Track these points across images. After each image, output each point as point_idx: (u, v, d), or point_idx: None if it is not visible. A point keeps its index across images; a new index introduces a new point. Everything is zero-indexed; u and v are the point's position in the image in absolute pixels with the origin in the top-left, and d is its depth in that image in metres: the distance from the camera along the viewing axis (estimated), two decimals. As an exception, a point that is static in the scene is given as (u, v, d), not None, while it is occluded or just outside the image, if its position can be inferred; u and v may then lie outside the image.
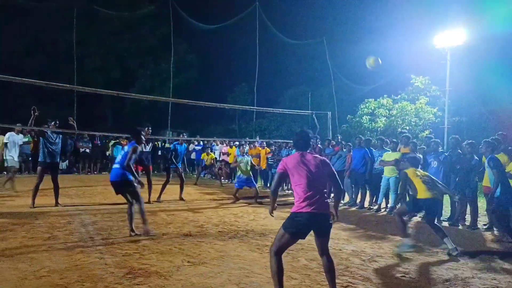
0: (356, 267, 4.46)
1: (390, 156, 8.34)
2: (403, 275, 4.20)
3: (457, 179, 7.29)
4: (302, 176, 3.34)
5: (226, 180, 15.07)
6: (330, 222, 3.36)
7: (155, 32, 27.38)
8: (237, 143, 15.48)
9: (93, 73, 25.58)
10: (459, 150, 7.45)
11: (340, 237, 5.97)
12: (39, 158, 7.68)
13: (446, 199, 7.79)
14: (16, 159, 10.00)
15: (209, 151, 14.58)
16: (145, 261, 4.33)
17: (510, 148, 6.80)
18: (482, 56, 18.06)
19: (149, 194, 8.62)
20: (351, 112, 19.50)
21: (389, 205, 8.59)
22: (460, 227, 7.10)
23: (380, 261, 4.71)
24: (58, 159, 7.97)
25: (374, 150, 9.20)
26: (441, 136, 14.45)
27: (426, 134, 14.07)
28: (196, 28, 20.34)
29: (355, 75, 22.30)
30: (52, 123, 7.74)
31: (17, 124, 9.72)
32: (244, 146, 10.51)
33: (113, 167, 5.74)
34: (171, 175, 9.56)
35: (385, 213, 8.47)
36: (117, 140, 16.58)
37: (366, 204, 9.13)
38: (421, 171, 5.72)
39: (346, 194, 10.06)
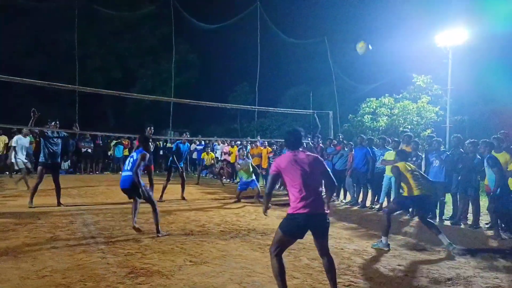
0: (358, 266, 4.45)
1: (391, 155, 8.31)
2: (405, 274, 4.20)
3: (459, 178, 7.27)
4: (297, 176, 3.28)
5: (228, 180, 15.07)
6: (328, 221, 3.31)
7: (155, 32, 27.38)
8: (238, 142, 15.47)
9: (94, 73, 25.59)
10: (461, 149, 7.44)
11: (342, 236, 5.97)
12: (40, 159, 7.70)
13: (448, 198, 7.77)
14: (24, 160, 10.12)
15: (209, 150, 14.58)
16: (147, 261, 4.33)
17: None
18: (484, 55, 18.02)
19: None
20: (352, 111, 19.47)
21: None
22: (462, 226, 7.08)
23: (382, 260, 4.71)
24: (59, 160, 7.97)
25: (376, 149, 9.19)
26: (443, 135, 14.41)
27: (428, 133, 14.04)
28: (197, 27, 20.30)
29: (357, 74, 22.28)
30: (53, 123, 7.75)
31: (24, 130, 9.79)
32: (244, 149, 10.49)
33: (123, 174, 5.78)
34: (172, 174, 9.57)
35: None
36: (119, 140, 16.62)
37: (368, 203, 9.12)
38: (411, 164, 5.71)
39: (348, 193, 10.06)
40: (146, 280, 3.72)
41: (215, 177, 15.26)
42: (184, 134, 10.32)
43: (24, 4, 19.49)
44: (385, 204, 8.77)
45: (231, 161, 14.92)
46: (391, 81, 20.31)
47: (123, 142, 16.61)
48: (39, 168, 7.71)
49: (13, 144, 9.87)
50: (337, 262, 4.53)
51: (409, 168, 5.45)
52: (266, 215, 3.69)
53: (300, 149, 3.48)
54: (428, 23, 18.53)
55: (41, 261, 4.20)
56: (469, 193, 7.03)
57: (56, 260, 4.25)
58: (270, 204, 3.72)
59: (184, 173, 9.60)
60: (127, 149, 16.31)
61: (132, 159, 5.70)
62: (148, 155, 5.81)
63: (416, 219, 7.75)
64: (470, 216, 7.26)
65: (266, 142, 13.77)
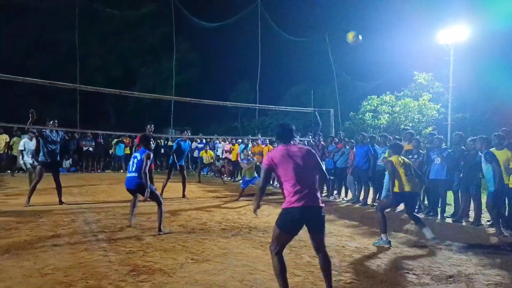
0: (360, 264, 4.45)
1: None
2: (407, 271, 4.20)
3: (461, 175, 7.26)
4: (290, 170, 3.22)
5: (229, 178, 15.08)
6: (323, 214, 3.26)
7: (156, 31, 27.37)
8: (240, 140, 15.48)
9: (95, 72, 25.62)
10: (462, 147, 7.43)
11: (343, 234, 5.97)
12: (39, 158, 7.71)
13: (450, 195, 7.77)
14: (30, 161, 10.22)
15: (208, 148, 14.60)
16: (149, 259, 4.34)
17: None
18: (486, 52, 17.97)
19: None
20: (353, 109, 19.46)
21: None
22: (464, 223, 7.07)
23: (383, 258, 4.71)
24: (58, 158, 7.97)
25: (377, 147, 9.17)
26: (444, 133, 14.39)
27: (429, 130, 14.02)
28: (197, 26, 20.30)
29: (358, 72, 22.26)
30: (51, 122, 7.75)
31: (30, 133, 9.86)
32: (248, 150, 10.52)
33: (128, 175, 5.83)
34: (172, 173, 9.57)
35: (388, 210, 8.43)
36: (120, 139, 16.64)
37: (369, 201, 9.11)
38: (404, 158, 5.69)
39: (349, 191, 10.06)
40: (148, 278, 3.73)
41: (216, 175, 15.28)
42: (185, 132, 10.32)
43: (25, 4, 19.51)
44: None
45: (232, 159, 14.95)
46: (393, 79, 20.30)
47: (124, 140, 16.65)
48: (38, 167, 7.71)
49: (20, 148, 10.02)
50: (338, 260, 4.55)
51: (402, 162, 5.44)
52: (256, 214, 3.53)
53: (292, 142, 3.43)
54: (429, 20, 18.52)
55: (43, 259, 4.21)
56: (470, 191, 7.02)
57: (58, 258, 4.26)
58: (261, 203, 3.55)
59: (185, 172, 9.60)
60: (128, 148, 16.35)
61: (136, 159, 5.73)
62: (152, 154, 5.87)
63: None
64: (471, 214, 7.25)
65: (267, 140, 13.77)
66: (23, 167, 10.33)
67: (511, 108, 15.61)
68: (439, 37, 16.31)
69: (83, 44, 21.09)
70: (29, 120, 7.38)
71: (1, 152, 14.16)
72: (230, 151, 15.20)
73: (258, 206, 3.48)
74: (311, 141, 11.37)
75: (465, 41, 15.98)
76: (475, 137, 7.21)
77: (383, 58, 22.16)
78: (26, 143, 9.86)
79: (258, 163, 9.88)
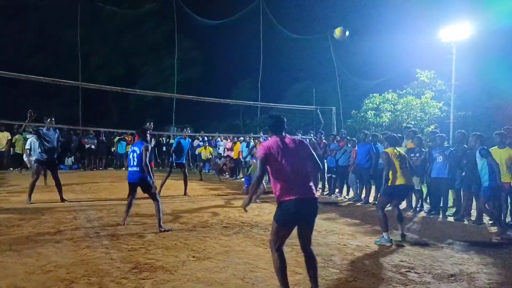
0: (361, 262, 4.45)
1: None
2: (408, 270, 4.19)
3: (463, 173, 7.25)
4: (284, 162, 3.17)
5: (227, 175, 15.13)
6: (317, 206, 3.23)
7: (158, 29, 27.34)
8: (241, 138, 15.50)
9: (97, 70, 25.63)
10: (465, 145, 7.40)
11: (345, 232, 5.97)
12: (36, 155, 7.72)
13: (452, 194, 7.76)
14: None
15: (207, 144, 14.62)
16: (151, 256, 4.35)
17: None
18: (488, 50, 17.89)
19: None
20: (355, 107, 19.41)
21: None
22: (466, 222, 7.07)
23: (385, 256, 4.70)
24: (55, 156, 7.97)
25: (379, 145, 9.15)
26: (446, 131, 14.35)
27: (432, 129, 13.98)
28: (199, 24, 20.31)
29: (360, 70, 22.21)
30: (48, 120, 7.74)
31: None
32: (256, 149, 10.54)
33: (129, 170, 5.90)
34: (172, 170, 9.54)
35: (390, 208, 8.43)
36: (122, 136, 16.67)
37: (371, 199, 9.10)
38: (400, 150, 5.68)
39: (351, 189, 10.05)
40: (150, 276, 3.74)
41: (218, 173, 15.30)
42: (185, 129, 10.30)
43: (26, 3, 19.53)
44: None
45: (234, 157, 14.96)
46: (395, 77, 20.23)
47: (126, 138, 16.67)
48: (35, 165, 7.71)
49: (27, 147, 10.11)
50: (340, 258, 4.55)
51: (398, 154, 5.42)
52: (245, 210, 3.34)
53: (284, 133, 3.39)
54: (432, 18, 18.45)
55: (46, 256, 4.23)
56: (473, 189, 7.01)
57: (60, 256, 4.28)
58: (261, 201, 3.47)
59: (186, 170, 9.59)
60: (130, 146, 16.36)
61: (135, 153, 5.77)
62: (150, 146, 5.93)
63: (419, 215, 7.76)
64: (473, 212, 7.25)
65: (269, 138, 13.77)
66: (29, 165, 10.45)
67: (514, 106, 15.58)
68: (441, 34, 16.23)
69: (85, 42, 21.15)
70: (27, 120, 7.39)
71: (4, 150, 14.22)
72: (231, 149, 15.22)
73: (250, 202, 3.29)
74: (313, 139, 11.36)
75: (467, 39, 15.89)
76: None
77: (385, 56, 22.11)
78: (33, 143, 9.93)
79: None
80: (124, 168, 15.92)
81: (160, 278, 3.68)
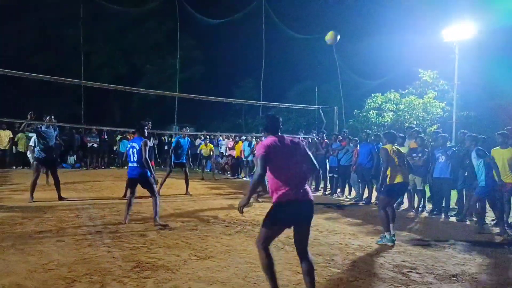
0: (363, 262, 4.45)
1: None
2: (410, 270, 4.19)
3: (465, 174, 7.23)
4: (282, 161, 3.14)
5: (229, 174, 15.13)
6: (312, 208, 3.19)
7: (161, 27, 27.38)
8: (243, 138, 15.50)
9: (100, 69, 25.69)
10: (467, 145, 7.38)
11: (347, 232, 5.96)
12: (35, 154, 7.73)
13: (454, 194, 7.74)
14: None
15: (207, 142, 14.65)
16: (153, 255, 4.36)
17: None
18: (491, 50, 17.80)
19: None
20: (358, 106, 19.37)
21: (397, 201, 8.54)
22: (468, 222, 7.05)
23: (386, 256, 4.70)
24: (54, 154, 7.97)
25: (381, 144, 9.14)
26: (449, 131, 14.31)
27: (434, 128, 13.94)
28: (202, 23, 20.30)
29: (362, 70, 22.12)
30: (47, 118, 7.75)
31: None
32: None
33: (130, 165, 5.95)
34: (172, 170, 9.53)
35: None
36: (124, 135, 16.69)
37: (373, 199, 9.09)
38: (398, 147, 5.67)
39: (353, 189, 10.04)
40: (152, 274, 3.75)
41: (220, 171, 15.31)
42: (184, 128, 10.30)
43: (28, 1, 19.57)
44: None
45: (236, 156, 14.97)
46: (397, 76, 20.15)
47: (128, 137, 16.67)
48: (34, 163, 7.74)
49: (31, 144, 10.16)
50: (341, 258, 4.55)
51: (397, 151, 5.41)
52: (242, 212, 3.26)
53: (280, 133, 3.36)
54: (434, 18, 18.35)
55: (48, 255, 4.24)
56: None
57: (62, 254, 4.29)
58: (261, 200, 3.41)
59: (187, 169, 9.59)
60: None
61: (135, 149, 5.80)
62: (148, 141, 5.95)
63: (420, 215, 7.74)
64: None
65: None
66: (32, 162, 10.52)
67: (517, 107, 15.52)
68: (444, 34, 16.18)
69: (88, 41, 21.17)
70: (27, 119, 7.41)
71: (6, 148, 14.26)
72: (233, 148, 15.23)
73: (247, 202, 3.21)
74: (315, 138, 11.35)
75: (470, 39, 15.83)
76: (481, 136, 7.17)
77: (387, 55, 22.01)
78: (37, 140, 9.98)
79: None
80: (126, 167, 15.93)
81: (162, 277, 3.69)
